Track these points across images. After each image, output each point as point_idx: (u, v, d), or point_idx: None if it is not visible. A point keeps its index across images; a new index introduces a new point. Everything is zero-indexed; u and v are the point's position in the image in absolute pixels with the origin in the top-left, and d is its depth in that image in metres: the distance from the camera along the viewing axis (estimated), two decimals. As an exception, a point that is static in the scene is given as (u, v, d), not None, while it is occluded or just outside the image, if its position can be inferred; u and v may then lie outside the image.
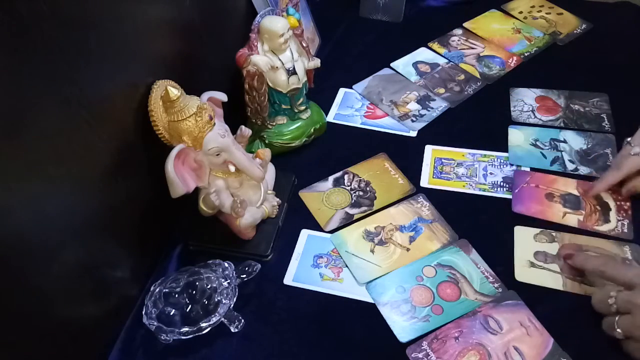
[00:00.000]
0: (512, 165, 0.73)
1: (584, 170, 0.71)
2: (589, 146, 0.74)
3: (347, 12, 1.07)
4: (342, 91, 0.90)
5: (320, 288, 0.62)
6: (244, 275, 0.61)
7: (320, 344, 0.57)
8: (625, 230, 0.63)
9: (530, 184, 0.70)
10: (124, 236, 0.59)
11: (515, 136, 0.77)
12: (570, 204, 0.67)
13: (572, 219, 0.65)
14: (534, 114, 0.81)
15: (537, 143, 0.76)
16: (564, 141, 0.75)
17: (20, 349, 0.45)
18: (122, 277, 0.60)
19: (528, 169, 0.72)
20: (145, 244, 0.63)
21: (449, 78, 0.90)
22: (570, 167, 0.72)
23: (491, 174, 0.73)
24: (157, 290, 0.57)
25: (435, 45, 0.97)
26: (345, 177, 0.75)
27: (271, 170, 0.69)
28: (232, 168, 0.59)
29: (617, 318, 0.51)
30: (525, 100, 0.84)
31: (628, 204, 0.66)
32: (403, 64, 0.94)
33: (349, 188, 0.73)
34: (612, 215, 0.65)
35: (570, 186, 0.69)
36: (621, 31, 0.96)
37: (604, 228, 0.64)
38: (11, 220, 0.41)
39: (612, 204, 0.67)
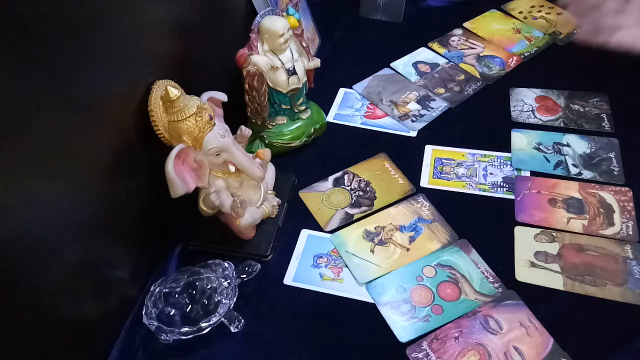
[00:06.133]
0: (512, 166, 0.73)
1: (587, 174, 0.71)
2: (592, 150, 0.74)
3: (347, 12, 1.07)
4: (342, 91, 0.90)
5: (320, 288, 0.62)
6: (244, 275, 0.61)
7: (320, 344, 0.57)
8: (630, 232, 0.63)
9: (532, 190, 0.69)
10: (124, 236, 0.59)
11: (519, 140, 0.77)
12: (573, 209, 0.67)
13: (577, 225, 0.65)
14: (534, 114, 0.81)
15: (541, 147, 0.75)
16: (567, 145, 0.75)
17: (20, 348, 0.45)
18: (122, 277, 0.60)
19: (528, 174, 0.72)
20: (145, 244, 0.64)
21: (449, 78, 0.90)
22: (573, 171, 0.72)
23: (491, 174, 0.73)
24: (157, 290, 0.57)
25: (435, 45, 0.97)
26: (345, 177, 0.75)
27: (271, 170, 0.69)
28: (232, 168, 0.59)
29: None
30: (525, 100, 0.84)
31: (631, 204, 0.66)
32: (403, 64, 0.94)
33: (349, 188, 0.73)
34: (616, 217, 0.65)
35: (572, 189, 0.69)
36: (621, 31, 0.96)
37: (609, 232, 0.64)
38: (11, 220, 0.41)
39: (615, 205, 0.66)
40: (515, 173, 0.72)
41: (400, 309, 0.59)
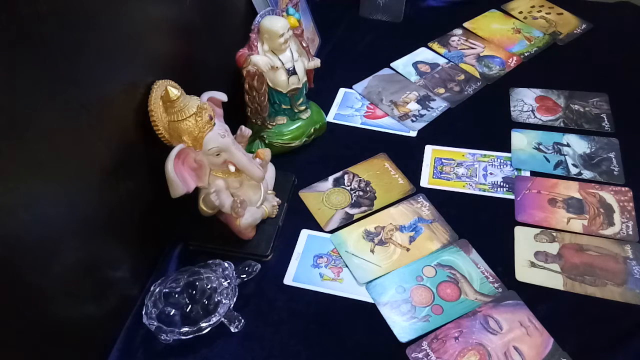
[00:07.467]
0: (512, 166, 0.73)
1: (587, 174, 0.71)
2: (592, 150, 0.74)
3: (347, 12, 1.07)
4: (342, 91, 0.90)
5: (320, 288, 0.62)
6: (244, 275, 0.61)
7: (320, 344, 0.57)
8: (630, 232, 0.63)
9: (532, 190, 0.69)
10: (124, 236, 0.59)
11: (518, 140, 0.77)
12: (573, 209, 0.67)
13: (577, 225, 0.65)
14: (534, 114, 0.81)
15: (541, 147, 0.75)
16: (567, 145, 0.75)
17: (20, 348, 0.45)
18: (122, 277, 0.60)
19: (528, 174, 0.72)
20: (145, 244, 0.63)
21: (449, 78, 0.90)
22: (573, 171, 0.72)
23: (491, 174, 0.73)
24: (157, 290, 0.57)
25: (435, 45, 0.97)
26: (345, 177, 0.75)
27: (271, 170, 0.69)
28: (232, 168, 0.59)
29: None
30: (525, 100, 0.84)
31: (631, 204, 0.66)
32: (403, 64, 0.94)
33: (349, 188, 0.73)
34: (616, 217, 0.65)
35: (572, 189, 0.69)
36: (621, 31, 0.96)
37: (609, 232, 0.64)
38: (11, 220, 0.41)
39: (615, 205, 0.66)
40: (515, 173, 0.72)
41: (400, 309, 0.59)
